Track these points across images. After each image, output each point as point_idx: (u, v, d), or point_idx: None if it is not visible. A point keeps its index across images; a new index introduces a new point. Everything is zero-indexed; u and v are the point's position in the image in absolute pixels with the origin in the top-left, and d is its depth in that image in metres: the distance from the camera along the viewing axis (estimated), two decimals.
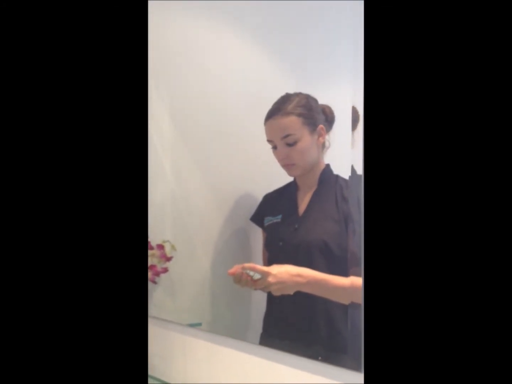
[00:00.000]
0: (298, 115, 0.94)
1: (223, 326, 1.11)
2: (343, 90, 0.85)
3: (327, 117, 0.92)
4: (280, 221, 1.01)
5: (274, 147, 0.99)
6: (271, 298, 1.01)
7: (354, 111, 0.83)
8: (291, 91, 0.97)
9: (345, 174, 0.86)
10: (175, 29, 1.23)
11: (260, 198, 1.06)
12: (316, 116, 0.93)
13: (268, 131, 0.99)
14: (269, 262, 1.02)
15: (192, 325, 1.14)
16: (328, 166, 0.95)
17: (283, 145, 0.96)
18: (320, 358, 0.87)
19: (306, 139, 0.95)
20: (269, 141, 0.99)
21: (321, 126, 0.93)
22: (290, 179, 1.01)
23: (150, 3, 1.16)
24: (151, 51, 1.21)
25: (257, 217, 1.06)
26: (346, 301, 0.85)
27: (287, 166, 0.98)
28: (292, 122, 0.95)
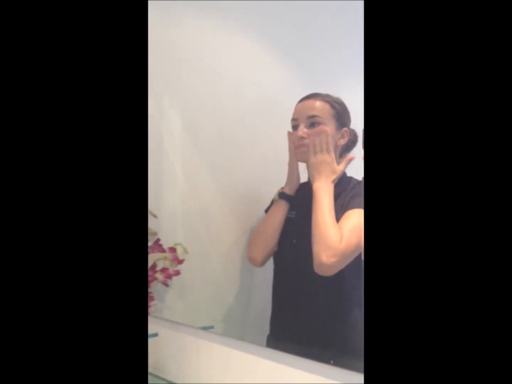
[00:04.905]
0: (332, 106, 0.95)
1: (236, 329, 1.11)
2: (356, 92, 0.85)
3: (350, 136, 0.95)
4: (294, 217, 1.01)
5: (295, 127, 0.98)
6: (281, 301, 1.01)
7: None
8: (301, 94, 0.97)
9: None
10: (186, 33, 1.23)
11: (270, 200, 1.06)
12: (346, 120, 0.95)
13: (297, 110, 0.98)
14: (275, 257, 1.02)
15: (204, 328, 1.14)
16: None
17: (306, 124, 0.96)
18: (332, 362, 0.86)
19: (329, 129, 0.94)
20: (293, 119, 0.98)
21: (345, 129, 0.94)
22: (305, 179, 1.00)
23: (161, 8, 1.17)
24: (163, 56, 1.21)
25: None
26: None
27: (302, 146, 0.97)
28: (324, 107, 0.95)
